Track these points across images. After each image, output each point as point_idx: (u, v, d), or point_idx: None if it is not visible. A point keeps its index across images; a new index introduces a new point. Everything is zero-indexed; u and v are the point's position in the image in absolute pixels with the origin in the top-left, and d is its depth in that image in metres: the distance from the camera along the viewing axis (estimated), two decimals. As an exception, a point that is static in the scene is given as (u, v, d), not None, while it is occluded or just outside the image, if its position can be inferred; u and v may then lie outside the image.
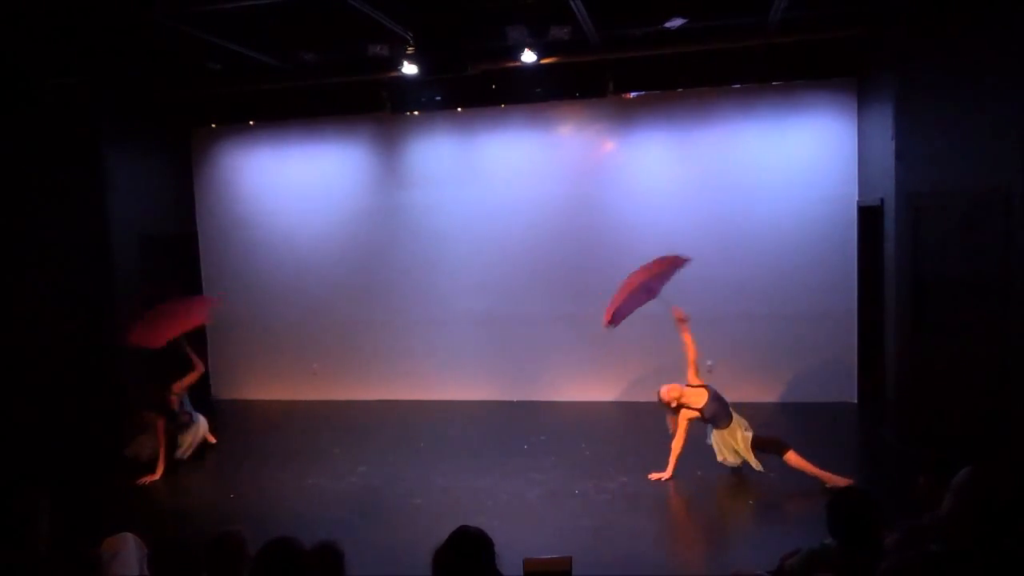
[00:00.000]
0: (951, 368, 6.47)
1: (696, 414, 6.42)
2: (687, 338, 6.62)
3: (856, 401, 8.59)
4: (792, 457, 6.14)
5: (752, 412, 8.48)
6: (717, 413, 6.41)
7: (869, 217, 8.02)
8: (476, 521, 3.12)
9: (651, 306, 8.95)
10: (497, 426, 8.47)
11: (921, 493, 3.53)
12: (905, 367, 6.99)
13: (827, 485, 5.95)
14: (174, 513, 6.59)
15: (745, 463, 6.34)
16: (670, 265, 6.71)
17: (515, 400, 9.34)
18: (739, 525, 5.79)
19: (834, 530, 3.25)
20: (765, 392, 8.77)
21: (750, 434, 6.36)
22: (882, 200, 7.43)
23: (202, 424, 7.74)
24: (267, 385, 10.14)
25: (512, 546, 3.42)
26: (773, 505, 5.97)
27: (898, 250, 6.96)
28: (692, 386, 6.53)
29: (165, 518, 6.44)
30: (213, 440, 7.92)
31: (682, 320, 6.61)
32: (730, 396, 8.84)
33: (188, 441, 7.57)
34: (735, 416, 6.44)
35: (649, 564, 5.19)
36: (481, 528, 3.01)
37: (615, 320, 6.60)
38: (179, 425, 7.56)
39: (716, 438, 6.46)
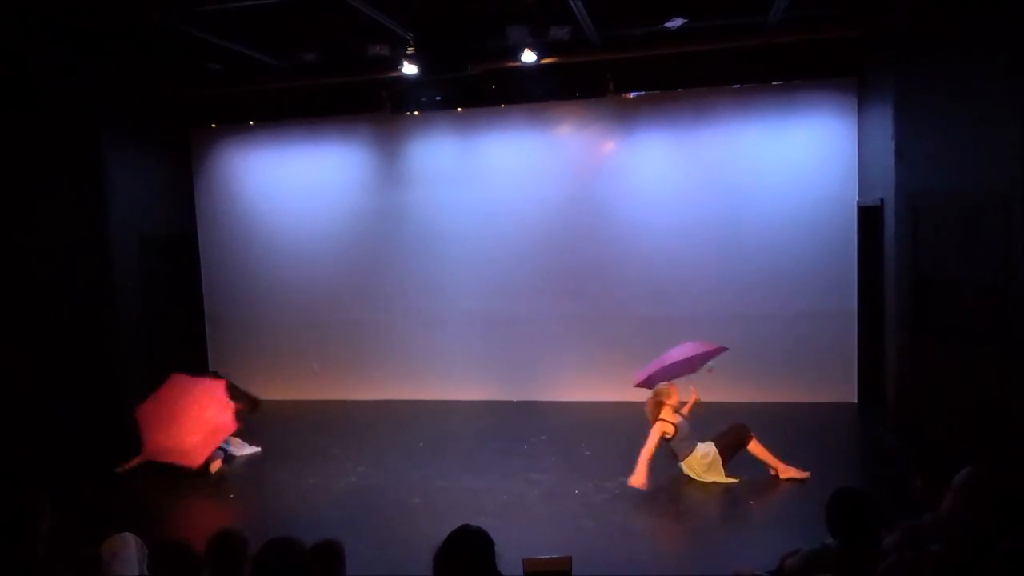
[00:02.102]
0: (951, 368, 6.46)
1: (671, 431, 6.48)
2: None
3: (856, 401, 8.59)
4: (754, 447, 6.41)
5: (752, 412, 8.50)
6: (681, 443, 6.54)
7: (869, 217, 8.02)
8: (476, 521, 3.12)
9: (650, 308, 9.00)
10: (497, 426, 8.47)
11: (921, 493, 3.53)
12: (905, 367, 6.99)
13: (781, 476, 6.31)
14: (174, 513, 6.59)
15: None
16: (713, 351, 6.87)
17: (515, 400, 9.34)
18: (739, 525, 5.79)
19: (834, 530, 3.25)
20: (765, 392, 8.77)
21: (712, 451, 6.48)
22: (882, 200, 7.43)
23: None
24: (267, 385, 10.10)
25: (512, 546, 3.42)
26: (773, 505, 5.97)
27: (898, 250, 6.96)
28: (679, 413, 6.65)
29: (165, 518, 6.44)
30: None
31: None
32: (730, 396, 8.87)
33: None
34: (696, 446, 6.58)
35: (649, 564, 5.19)
36: (481, 528, 3.01)
37: (647, 384, 6.81)
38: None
39: (685, 465, 6.58)
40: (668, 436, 6.50)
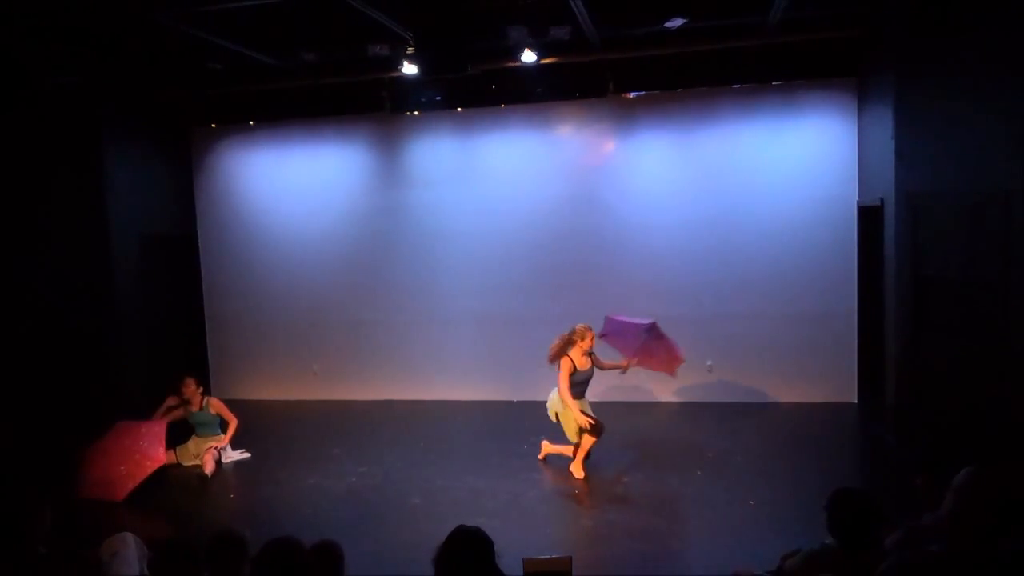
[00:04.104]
0: (951, 368, 6.46)
1: (570, 368, 6.74)
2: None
3: (856, 401, 8.60)
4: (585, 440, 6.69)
5: (752, 412, 8.51)
6: (575, 386, 6.75)
7: (869, 217, 8.02)
8: (476, 521, 3.12)
9: (650, 308, 8.99)
10: (497, 426, 8.47)
11: (921, 493, 3.53)
12: (905, 367, 6.99)
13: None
14: (174, 513, 6.58)
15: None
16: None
17: (515, 400, 9.34)
18: (739, 525, 5.79)
19: (834, 530, 3.25)
20: (765, 392, 8.78)
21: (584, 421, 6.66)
22: (882, 200, 7.43)
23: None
24: (267, 385, 10.14)
25: (512, 546, 3.41)
26: (773, 505, 5.97)
27: (898, 250, 6.96)
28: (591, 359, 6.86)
29: (165, 518, 6.43)
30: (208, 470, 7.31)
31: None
32: (730, 396, 8.87)
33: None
34: (585, 399, 6.88)
35: (649, 564, 5.19)
36: (481, 528, 3.01)
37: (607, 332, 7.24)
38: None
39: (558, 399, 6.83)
40: (570, 372, 6.70)
